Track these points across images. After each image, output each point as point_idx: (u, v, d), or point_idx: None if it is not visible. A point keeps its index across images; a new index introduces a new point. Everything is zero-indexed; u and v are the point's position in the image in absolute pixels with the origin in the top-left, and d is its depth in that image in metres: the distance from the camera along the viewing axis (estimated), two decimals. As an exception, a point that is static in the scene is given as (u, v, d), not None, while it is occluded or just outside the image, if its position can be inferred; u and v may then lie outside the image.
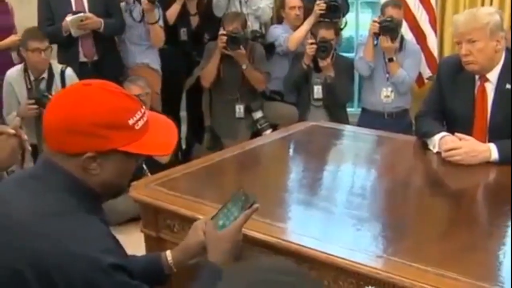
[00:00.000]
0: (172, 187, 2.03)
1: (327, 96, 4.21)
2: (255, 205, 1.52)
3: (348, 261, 1.52)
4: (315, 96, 4.24)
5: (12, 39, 4.01)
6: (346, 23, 4.53)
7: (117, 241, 1.31)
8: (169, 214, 1.91)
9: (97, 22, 4.00)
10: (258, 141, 2.81)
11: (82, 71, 3.93)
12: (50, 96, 3.62)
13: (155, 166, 3.00)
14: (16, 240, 1.23)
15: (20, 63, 3.95)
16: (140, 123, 1.32)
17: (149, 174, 3.19)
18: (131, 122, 1.30)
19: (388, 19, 4.01)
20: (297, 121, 3.65)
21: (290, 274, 0.91)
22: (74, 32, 3.95)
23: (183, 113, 4.76)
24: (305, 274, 1.05)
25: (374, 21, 4.09)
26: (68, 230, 1.23)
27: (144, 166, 3.42)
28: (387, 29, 4.00)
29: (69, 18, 3.89)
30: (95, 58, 4.09)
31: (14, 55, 4.10)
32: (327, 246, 1.60)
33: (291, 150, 2.73)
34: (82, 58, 4.08)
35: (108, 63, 4.13)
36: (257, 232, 1.67)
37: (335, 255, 1.55)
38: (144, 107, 1.36)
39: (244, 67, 4.09)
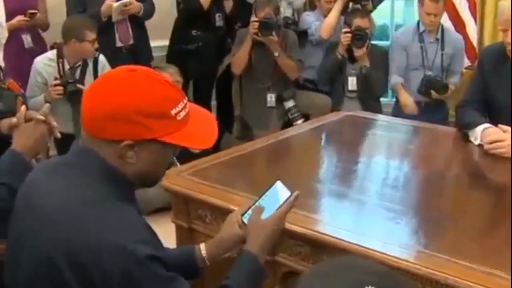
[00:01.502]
0: (204, 176, 2.00)
1: (362, 88, 4.11)
2: (296, 192, 1.50)
3: (388, 256, 1.48)
4: (350, 88, 4.13)
5: (18, 19, 3.74)
6: (375, 7, 4.35)
7: (153, 232, 1.28)
8: (201, 204, 1.88)
9: (138, 6, 4.03)
10: (290, 131, 2.78)
11: (118, 57, 3.91)
12: (79, 86, 3.59)
13: (185, 156, 2.96)
14: (49, 229, 1.21)
15: (32, 47, 3.88)
16: (182, 114, 1.29)
17: (178, 164, 3.14)
18: (173, 112, 1.27)
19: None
20: (330, 111, 3.57)
21: (385, 276, 0.88)
22: (115, 17, 3.96)
23: (213, 102, 4.72)
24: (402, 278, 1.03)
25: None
26: (103, 219, 1.20)
27: (173, 155, 3.38)
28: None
29: (113, 3, 3.89)
30: (130, 42, 4.10)
31: (27, 38, 3.92)
32: (363, 239, 1.56)
33: (323, 141, 2.67)
34: (118, 43, 4.08)
35: (141, 49, 4.14)
36: (292, 224, 1.61)
37: (373, 249, 1.51)
38: (186, 97, 1.32)
39: (276, 54, 4.01)
